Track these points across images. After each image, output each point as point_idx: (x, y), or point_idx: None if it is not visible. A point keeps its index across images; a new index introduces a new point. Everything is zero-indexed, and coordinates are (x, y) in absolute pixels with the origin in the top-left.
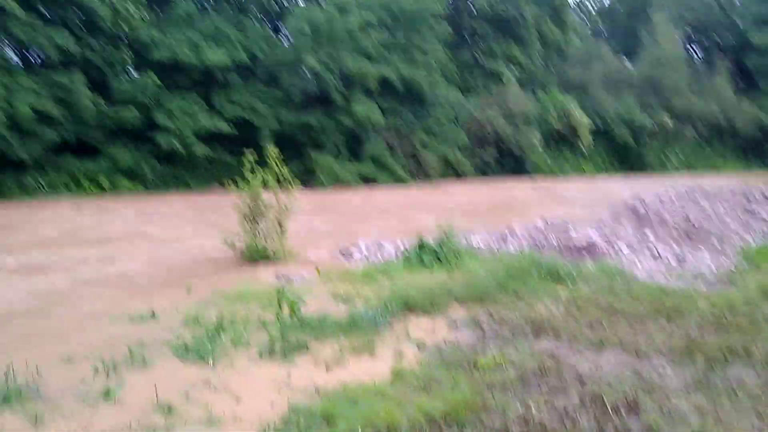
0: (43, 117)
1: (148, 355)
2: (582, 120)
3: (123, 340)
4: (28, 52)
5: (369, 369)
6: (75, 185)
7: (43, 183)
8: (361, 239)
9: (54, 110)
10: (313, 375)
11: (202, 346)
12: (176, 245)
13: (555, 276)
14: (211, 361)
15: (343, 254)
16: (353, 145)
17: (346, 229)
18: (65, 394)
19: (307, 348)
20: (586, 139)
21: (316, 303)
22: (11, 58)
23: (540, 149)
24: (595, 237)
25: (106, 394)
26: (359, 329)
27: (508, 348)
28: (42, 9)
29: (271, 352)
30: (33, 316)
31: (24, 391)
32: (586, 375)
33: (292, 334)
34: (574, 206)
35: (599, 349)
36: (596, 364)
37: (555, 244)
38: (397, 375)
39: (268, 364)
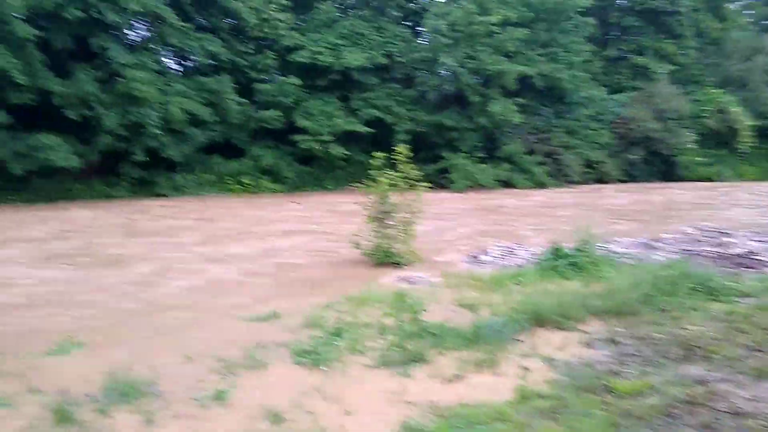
0: (193, 119)
1: (265, 357)
2: (742, 119)
3: (243, 340)
4: (182, 58)
5: (490, 386)
6: (220, 184)
7: (191, 181)
8: (492, 243)
9: (204, 113)
10: (430, 389)
11: (318, 350)
12: (309, 245)
13: (708, 290)
14: (325, 368)
15: (473, 259)
16: (490, 146)
17: (478, 232)
18: (180, 394)
19: (426, 359)
20: (746, 139)
21: (439, 310)
22: (168, 64)
23: (694, 151)
24: (757, 247)
25: (219, 396)
26: (483, 341)
27: (650, 371)
28: (195, 17)
29: (388, 361)
30: (180, 309)
31: (142, 389)
32: (743, 409)
33: (410, 342)
34: (732, 212)
35: (760, 379)
36: (756, 396)
37: (709, 253)
38: (522, 395)
39: (383, 374)
